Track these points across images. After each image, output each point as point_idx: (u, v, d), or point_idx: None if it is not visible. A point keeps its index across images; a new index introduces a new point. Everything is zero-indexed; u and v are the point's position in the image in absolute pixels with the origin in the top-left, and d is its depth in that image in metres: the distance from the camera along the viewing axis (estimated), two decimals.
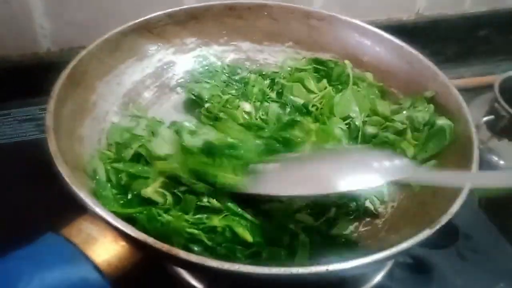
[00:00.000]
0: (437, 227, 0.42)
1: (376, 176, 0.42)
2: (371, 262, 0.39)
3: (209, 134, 0.53)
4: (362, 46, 0.68)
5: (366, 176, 0.43)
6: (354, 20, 0.68)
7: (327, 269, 0.37)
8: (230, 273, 0.37)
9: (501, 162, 0.72)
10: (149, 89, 0.64)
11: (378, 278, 0.56)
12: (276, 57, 0.71)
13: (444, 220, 0.42)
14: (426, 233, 0.41)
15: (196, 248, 0.45)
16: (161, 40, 0.65)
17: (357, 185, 0.42)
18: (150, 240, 0.38)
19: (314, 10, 0.69)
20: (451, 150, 0.54)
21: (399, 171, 0.43)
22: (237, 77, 0.67)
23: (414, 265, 0.58)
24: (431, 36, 0.96)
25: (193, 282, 0.52)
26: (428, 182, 0.49)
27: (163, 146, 0.52)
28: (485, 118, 0.71)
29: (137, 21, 0.61)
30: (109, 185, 0.49)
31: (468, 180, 0.46)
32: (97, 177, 0.49)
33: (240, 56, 0.70)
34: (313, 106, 0.62)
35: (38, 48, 0.75)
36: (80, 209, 0.40)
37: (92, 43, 0.56)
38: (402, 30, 0.68)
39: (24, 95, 0.72)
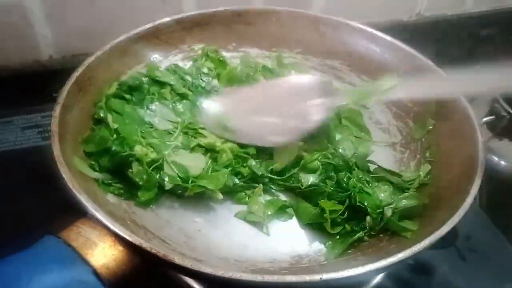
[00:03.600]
0: (437, 238, 0.41)
1: None
2: (366, 272, 0.38)
3: None
4: (371, 52, 0.67)
5: None
6: (363, 26, 0.67)
7: (321, 278, 0.37)
8: (223, 279, 0.37)
9: (502, 162, 0.71)
10: None
11: (377, 278, 0.56)
12: None
13: (444, 230, 0.42)
14: (423, 244, 0.41)
15: None
16: (168, 46, 0.65)
17: None
18: (146, 245, 0.38)
19: (323, 16, 0.69)
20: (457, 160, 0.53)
21: None
22: None
23: (414, 266, 0.57)
24: (432, 36, 0.95)
25: (193, 284, 0.52)
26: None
27: None
28: (485, 118, 0.71)
29: (145, 27, 0.62)
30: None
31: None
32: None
33: None
34: None
35: (40, 56, 0.76)
36: (80, 213, 0.41)
37: (99, 49, 0.57)
38: (403, 31, 0.67)
39: (27, 102, 0.73)
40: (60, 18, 0.73)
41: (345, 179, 0.52)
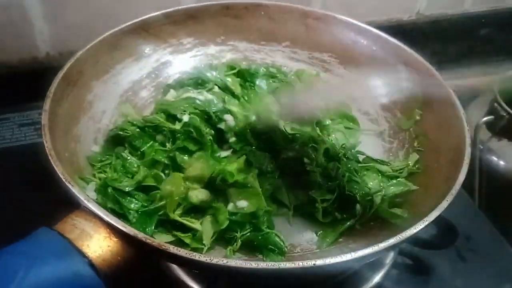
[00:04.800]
0: (426, 223, 0.42)
1: None
2: (359, 257, 0.39)
3: None
4: (359, 45, 0.68)
5: None
6: (350, 19, 0.68)
7: (314, 264, 0.38)
8: (218, 267, 0.37)
9: (501, 162, 0.71)
10: (146, 89, 0.64)
11: (376, 278, 0.56)
12: (273, 56, 0.72)
13: (433, 216, 0.43)
14: (413, 230, 0.41)
15: None
16: (158, 40, 0.65)
17: None
18: (140, 235, 0.39)
19: (310, 10, 0.70)
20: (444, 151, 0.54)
21: None
22: None
23: (413, 266, 0.58)
24: (432, 36, 0.96)
25: (190, 283, 0.52)
26: None
27: None
28: (484, 119, 0.71)
29: (134, 21, 0.62)
30: None
31: None
32: None
33: (237, 56, 0.71)
34: None
35: (37, 53, 0.76)
36: (75, 206, 0.41)
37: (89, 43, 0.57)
38: (403, 30, 0.68)
39: (24, 99, 0.73)
40: (57, 15, 0.73)
41: (333, 169, 0.53)
